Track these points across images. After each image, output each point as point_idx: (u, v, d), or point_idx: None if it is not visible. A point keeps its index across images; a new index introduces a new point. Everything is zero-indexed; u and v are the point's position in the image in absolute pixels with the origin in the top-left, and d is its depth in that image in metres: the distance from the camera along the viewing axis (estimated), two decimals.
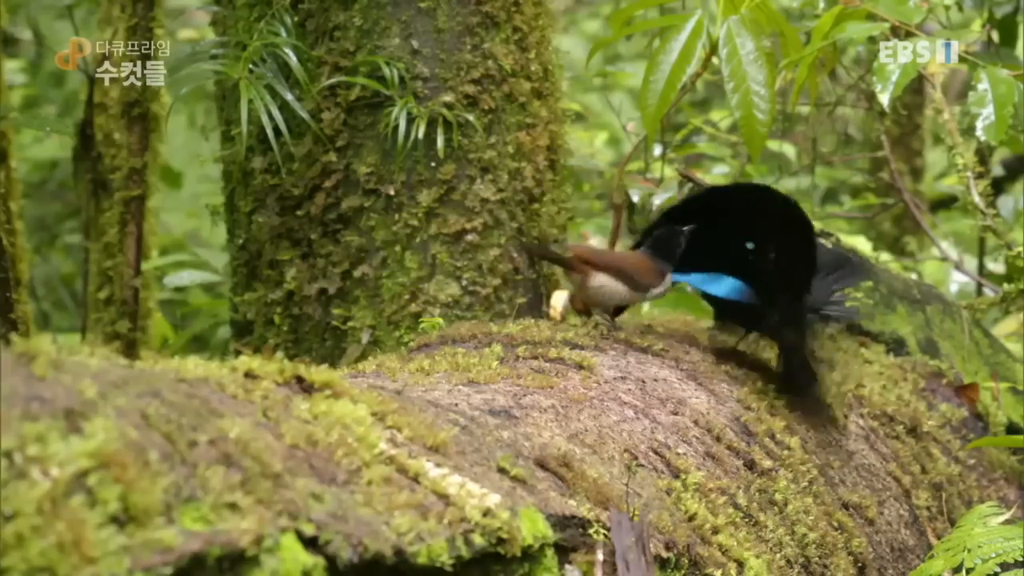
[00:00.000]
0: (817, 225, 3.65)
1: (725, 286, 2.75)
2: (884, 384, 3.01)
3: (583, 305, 3.03)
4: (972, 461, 3.01)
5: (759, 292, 2.71)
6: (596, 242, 4.64)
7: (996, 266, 5.04)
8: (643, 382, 2.44)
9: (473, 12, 3.21)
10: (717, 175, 4.95)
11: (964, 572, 2.31)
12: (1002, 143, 3.21)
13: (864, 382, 2.96)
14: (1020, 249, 3.39)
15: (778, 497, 2.37)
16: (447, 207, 3.19)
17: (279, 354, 1.80)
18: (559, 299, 3.23)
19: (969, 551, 2.34)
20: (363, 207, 3.20)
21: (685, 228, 2.72)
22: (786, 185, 5.35)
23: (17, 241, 3.80)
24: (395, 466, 1.67)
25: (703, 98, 6.84)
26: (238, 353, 2.77)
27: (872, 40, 3.39)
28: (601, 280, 2.67)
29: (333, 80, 3.19)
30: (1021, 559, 2.28)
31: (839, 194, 6.58)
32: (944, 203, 6.30)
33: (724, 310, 2.84)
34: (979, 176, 3.40)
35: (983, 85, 3.04)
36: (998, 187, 4.97)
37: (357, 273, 3.21)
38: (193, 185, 6.05)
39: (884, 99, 3.05)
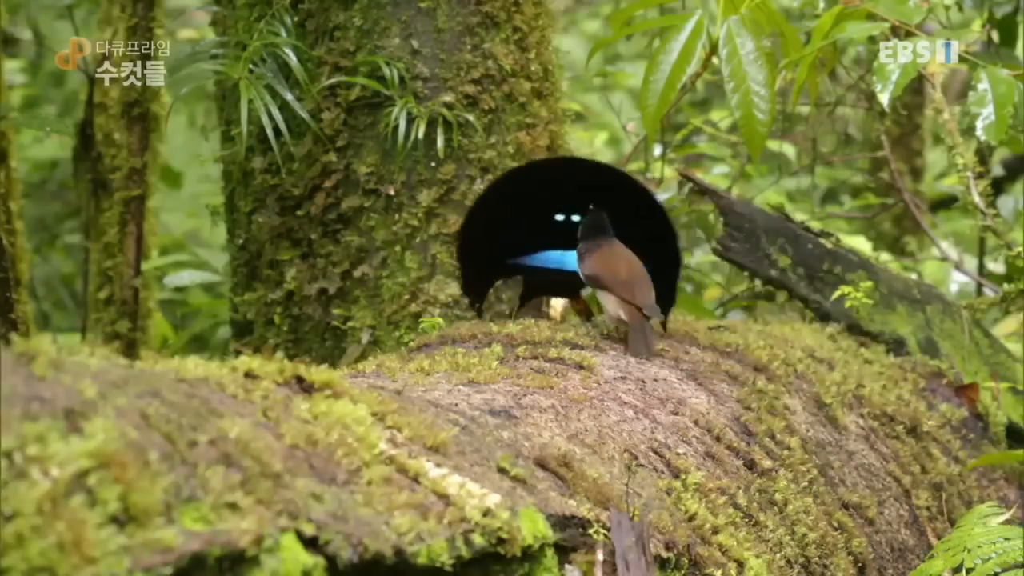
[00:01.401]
0: (817, 225, 3.65)
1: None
2: (884, 384, 3.01)
3: (584, 305, 3.03)
4: (972, 461, 3.00)
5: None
6: None
7: (996, 266, 5.04)
8: (643, 382, 2.44)
9: (473, 12, 3.21)
10: (717, 175, 4.95)
11: (964, 572, 2.31)
12: (1002, 143, 3.21)
13: (864, 382, 2.96)
14: (1020, 249, 3.39)
15: (778, 497, 2.37)
16: (447, 207, 3.19)
17: (279, 354, 1.80)
18: (559, 299, 3.23)
19: (969, 551, 2.34)
20: (363, 207, 3.20)
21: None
22: (786, 185, 5.36)
23: (17, 241, 3.80)
24: (395, 466, 1.67)
25: (703, 98, 6.84)
26: (238, 353, 2.78)
27: (872, 40, 3.39)
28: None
29: (333, 80, 3.19)
30: (1021, 559, 2.28)
31: (839, 194, 6.58)
32: (944, 203, 6.30)
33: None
34: (979, 176, 3.40)
35: (983, 85, 3.04)
36: (998, 187, 4.97)
37: (357, 273, 3.21)
38: (193, 185, 6.05)
39: (884, 99, 3.05)
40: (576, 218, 2.80)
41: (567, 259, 2.83)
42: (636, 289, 2.58)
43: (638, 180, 2.87)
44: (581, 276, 2.71)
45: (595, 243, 2.72)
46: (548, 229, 2.88)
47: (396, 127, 3.14)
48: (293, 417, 1.65)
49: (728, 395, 2.55)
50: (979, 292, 4.57)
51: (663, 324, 2.75)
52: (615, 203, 2.77)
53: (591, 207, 2.76)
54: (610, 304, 2.61)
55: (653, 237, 2.76)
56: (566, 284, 2.92)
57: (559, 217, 2.84)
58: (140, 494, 1.30)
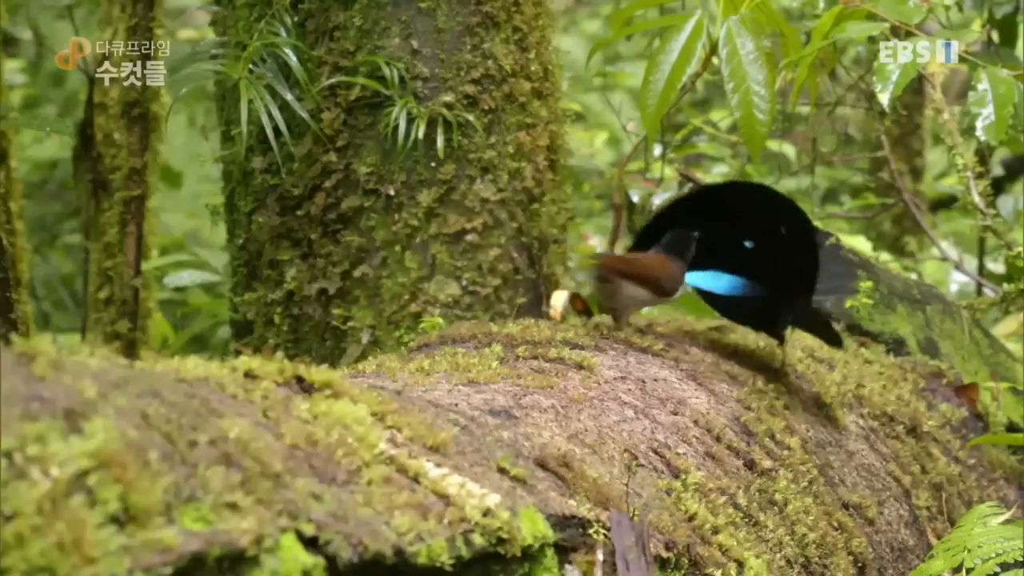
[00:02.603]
0: (817, 225, 3.65)
1: (726, 283, 2.75)
2: (884, 384, 3.01)
3: (584, 305, 3.03)
4: (972, 461, 3.00)
5: (769, 291, 2.71)
6: (596, 242, 4.64)
7: (996, 266, 5.05)
8: (643, 382, 2.44)
9: (473, 12, 3.21)
10: (717, 175, 4.95)
11: (964, 572, 2.31)
12: (1002, 143, 3.21)
13: (864, 382, 2.96)
14: (1020, 249, 3.39)
15: (778, 497, 2.37)
16: (447, 207, 3.19)
17: (279, 354, 1.80)
18: (559, 299, 3.23)
19: (969, 551, 2.34)
20: (363, 207, 3.20)
21: (695, 232, 2.73)
22: (786, 185, 5.36)
23: (17, 241, 3.80)
24: (395, 466, 1.67)
25: (703, 98, 6.84)
26: (238, 353, 2.77)
27: (872, 40, 3.39)
28: (631, 289, 2.68)
29: (333, 80, 3.19)
30: (1021, 559, 2.28)
31: (839, 194, 6.58)
32: (944, 203, 6.30)
33: (727, 309, 2.84)
34: (979, 176, 3.40)
35: (983, 85, 3.04)
36: (998, 187, 4.97)
37: (357, 273, 3.21)
38: (193, 185, 6.05)
39: (884, 99, 3.05)
40: (748, 244, 2.78)
41: (703, 279, 2.80)
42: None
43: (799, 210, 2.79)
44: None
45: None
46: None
47: (396, 127, 3.14)
48: (293, 417, 1.65)
49: (728, 395, 2.55)
50: (979, 292, 4.57)
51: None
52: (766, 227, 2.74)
53: (677, 229, 2.74)
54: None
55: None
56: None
57: (748, 244, 2.78)
58: (140, 494, 1.30)
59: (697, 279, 2.79)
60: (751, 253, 2.76)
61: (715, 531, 2.12)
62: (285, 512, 1.44)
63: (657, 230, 2.77)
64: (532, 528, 1.73)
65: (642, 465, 2.15)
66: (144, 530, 1.29)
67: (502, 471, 1.84)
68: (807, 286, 2.74)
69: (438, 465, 1.72)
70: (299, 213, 3.25)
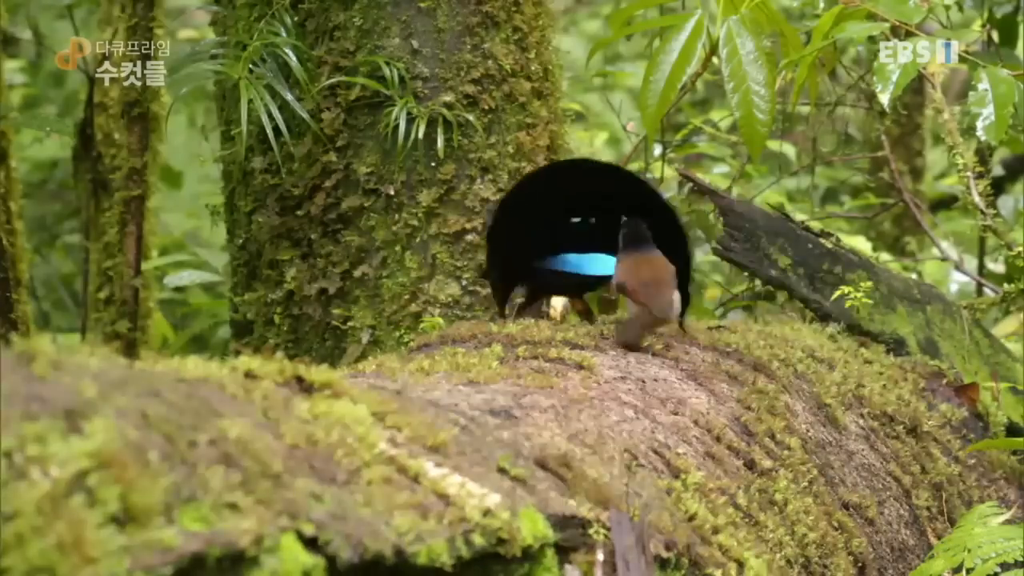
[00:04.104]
0: (817, 225, 3.65)
1: (602, 264, 2.75)
2: (884, 384, 3.01)
3: (584, 306, 3.03)
4: (972, 461, 3.00)
5: None
6: None
7: (996, 266, 5.05)
8: (643, 382, 2.44)
9: (473, 12, 3.21)
10: (717, 175, 4.96)
11: (964, 572, 2.31)
12: (1002, 143, 3.21)
13: (864, 382, 2.96)
14: (1020, 249, 3.39)
15: (778, 497, 2.37)
16: (447, 207, 3.19)
17: (279, 354, 1.80)
18: (559, 300, 3.23)
19: (969, 551, 2.34)
20: (363, 207, 3.20)
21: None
22: (786, 185, 5.36)
23: (17, 241, 3.80)
24: (395, 466, 1.67)
25: (703, 98, 6.85)
26: (238, 353, 2.77)
27: (872, 40, 3.39)
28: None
29: (333, 80, 3.19)
30: (1021, 559, 2.28)
31: (839, 194, 6.58)
32: (944, 203, 6.31)
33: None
34: (979, 176, 3.40)
35: (983, 85, 3.04)
36: (998, 187, 4.97)
37: (357, 273, 3.21)
38: (193, 185, 6.05)
39: (884, 99, 3.05)
40: (592, 220, 2.80)
41: (584, 262, 2.82)
42: (650, 291, 2.60)
43: (647, 182, 2.86)
44: (614, 285, 2.71)
45: (630, 252, 2.69)
46: (561, 231, 2.86)
47: (396, 127, 3.14)
48: (293, 417, 1.65)
49: (728, 395, 2.55)
50: (979, 292, 4.57)
51: (680, 324, 2.75)
52: (624, 206, 2.75)
53: (626, 218, 2.72)
54: (631, 309, 2.63)
55: (662, 240, 2.74)
56: (576, 286, 2.93)
57: (575, 219, 2.83)
58: (140, 494, 1.30)
59: (574, 263, 2.79)
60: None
61: (715, 531, 2.12)
62: (285, 512, 1.44)
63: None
64: (532, 528, 1.73)
65: (642, 465, 2.15)
66: (144, 530, 1.29)
67: (502, 471, 1.83)
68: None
69: (438, 465, 1.72)
70: (299, 213, 3.25)
